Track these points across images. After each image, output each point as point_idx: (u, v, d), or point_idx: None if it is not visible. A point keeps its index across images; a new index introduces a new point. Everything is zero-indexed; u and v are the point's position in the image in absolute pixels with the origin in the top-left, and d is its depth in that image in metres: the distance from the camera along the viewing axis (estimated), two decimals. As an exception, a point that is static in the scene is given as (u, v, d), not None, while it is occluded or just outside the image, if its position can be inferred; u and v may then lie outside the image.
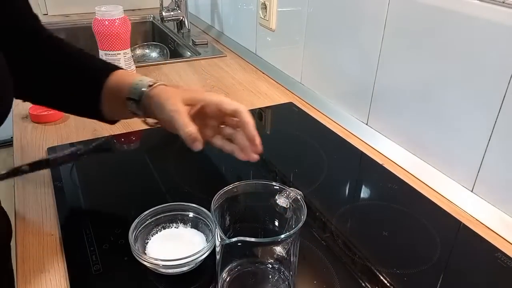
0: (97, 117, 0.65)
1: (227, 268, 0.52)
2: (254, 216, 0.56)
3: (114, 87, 0.61)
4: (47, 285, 0.54)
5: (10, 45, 0.59)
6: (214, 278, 0.55)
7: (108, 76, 0.61)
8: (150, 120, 0.62)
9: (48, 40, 0.64)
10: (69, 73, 0.63)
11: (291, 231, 0.46)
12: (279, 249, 0.51)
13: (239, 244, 0.45)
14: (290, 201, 0.51)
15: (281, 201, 0.52)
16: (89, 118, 0.68)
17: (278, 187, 0.52)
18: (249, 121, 0.57)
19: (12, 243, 0.65)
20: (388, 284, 0.55)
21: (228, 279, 0.52)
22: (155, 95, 0.57)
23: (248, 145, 0.58)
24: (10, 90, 0.52)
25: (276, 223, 0.54)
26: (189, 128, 0.54)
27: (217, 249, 0.49)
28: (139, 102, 0.59)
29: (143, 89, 0.58)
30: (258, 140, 0.57)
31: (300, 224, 0.47)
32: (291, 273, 0.51)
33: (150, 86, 0.58)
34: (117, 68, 0.63)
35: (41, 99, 0.67)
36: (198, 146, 0.54)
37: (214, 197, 0.50)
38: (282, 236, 0.46)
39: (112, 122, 0.68)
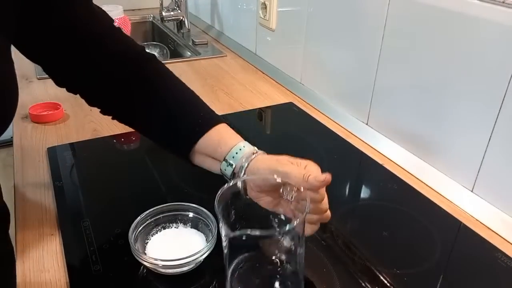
0: (183, 159, 0.61)
1: (234, 262, 0.52)
2: (259, 211, 0.56)
3: (211, 145, 0.57)
4: (47, 285, 0.54)
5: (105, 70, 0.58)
6: (214, 279, 0.55)
7: (208, 130, 0.57)
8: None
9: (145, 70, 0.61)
10: (164, 114, 0.59)
11: (295, 222, 0.46)
12: (286, 242, 0.51)
13: (244, 238, 0.44)
14: (294, 193, 0.51)
15: (285, 194, 0.51)
16: (172, 154, 0.63)
17: (280, 181, 0.52)
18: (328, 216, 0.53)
19: (12, 243, 0.65)
20: (388, 284, 0.55)
21: (235, 273, 0.51)
22: (254, 163, 0.54)
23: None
24: (14, 99, 0.52)
25: (282, 217, 0.54)
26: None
27: (224, 243, 0.49)
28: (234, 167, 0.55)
29: (244, 160, 0.54)
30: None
31: (304, 215, 0.47)
32: (299, 265, 0.51)
33: (250, 158, 0.54)
34: (217, 120, 0.59)
35: (131, 124, 0.63)
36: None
37: (218, 192, 0.49)
38: (287, 227, 0.46)
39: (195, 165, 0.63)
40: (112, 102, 0.61)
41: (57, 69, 0.59)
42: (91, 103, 0.62)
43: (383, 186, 0.76)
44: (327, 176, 0.49)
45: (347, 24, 0.91)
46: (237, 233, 0.44)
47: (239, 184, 0.52)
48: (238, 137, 0.58)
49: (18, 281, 0.54)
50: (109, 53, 0.58)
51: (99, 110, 0.63)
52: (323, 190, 0.51)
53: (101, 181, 0.74)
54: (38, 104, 0.95)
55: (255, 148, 0.57)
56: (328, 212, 0.53)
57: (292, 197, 0.52)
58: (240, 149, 0.55)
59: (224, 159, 0.56)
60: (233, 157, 0.55)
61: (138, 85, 0.59)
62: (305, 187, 0.50)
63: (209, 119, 0.59)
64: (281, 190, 0.53)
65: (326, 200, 0.52)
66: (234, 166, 0.55)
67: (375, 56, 0.84)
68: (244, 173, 0.54)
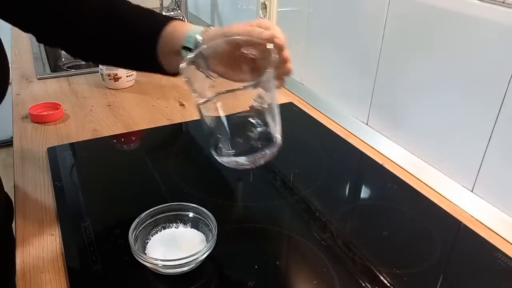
0: (158, 71, 0.64)
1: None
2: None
3: (169, 39, 0.59)
4: (47, 285, 0.54)
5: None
6: (214, 279, 0.55)
7: (162, 29, 0.60)
8: (210, 73, 0.61)
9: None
10: (121, 31, 0.62)
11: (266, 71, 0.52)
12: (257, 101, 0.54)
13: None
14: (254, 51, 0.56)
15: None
16: (150, 72, 0.66)
17: (238, 37, 0.55)
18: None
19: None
20: (388, 284, 0.55)
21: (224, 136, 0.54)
22: (208, 38, 0.56)
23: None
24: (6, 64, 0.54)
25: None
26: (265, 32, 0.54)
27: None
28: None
29: (197, 35, 0.57)
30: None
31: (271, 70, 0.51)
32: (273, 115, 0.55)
33: (203, 32, 0.57)
34: (170, 19, 0.62)
35: (97, 58, 0.68)
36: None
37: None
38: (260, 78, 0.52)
39: (175, 75, 0.65)
40: (90, 49, 0.64)
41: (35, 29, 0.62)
42: (73, 55, 0.66)
43: (383, 186, 0.76)
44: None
45: (347, 24, 0.91)
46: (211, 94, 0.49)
47: (199, 50, 0.54)
48: (189, 24, 0.60)
49: (18, 281, 0.54)
50: (89, 7, 0.61)
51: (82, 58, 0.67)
52: (280, 40, 0.57)
53: (101, 181, 0.74)
54: (38, 104, 0.95)
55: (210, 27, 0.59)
56: (290, 65, 0.60)
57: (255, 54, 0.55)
58: (193, 30, 0.57)
59: (182, 47, 0.58)
60: (188, 41, 0.57)
61: (106, 24, 0.62)
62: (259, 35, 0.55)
63: (163, 18, 0.62)
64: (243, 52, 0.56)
65: (287, 52, 0.58)
66: (191, 47, 0.57)
67: (375, 56, 0.84)
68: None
